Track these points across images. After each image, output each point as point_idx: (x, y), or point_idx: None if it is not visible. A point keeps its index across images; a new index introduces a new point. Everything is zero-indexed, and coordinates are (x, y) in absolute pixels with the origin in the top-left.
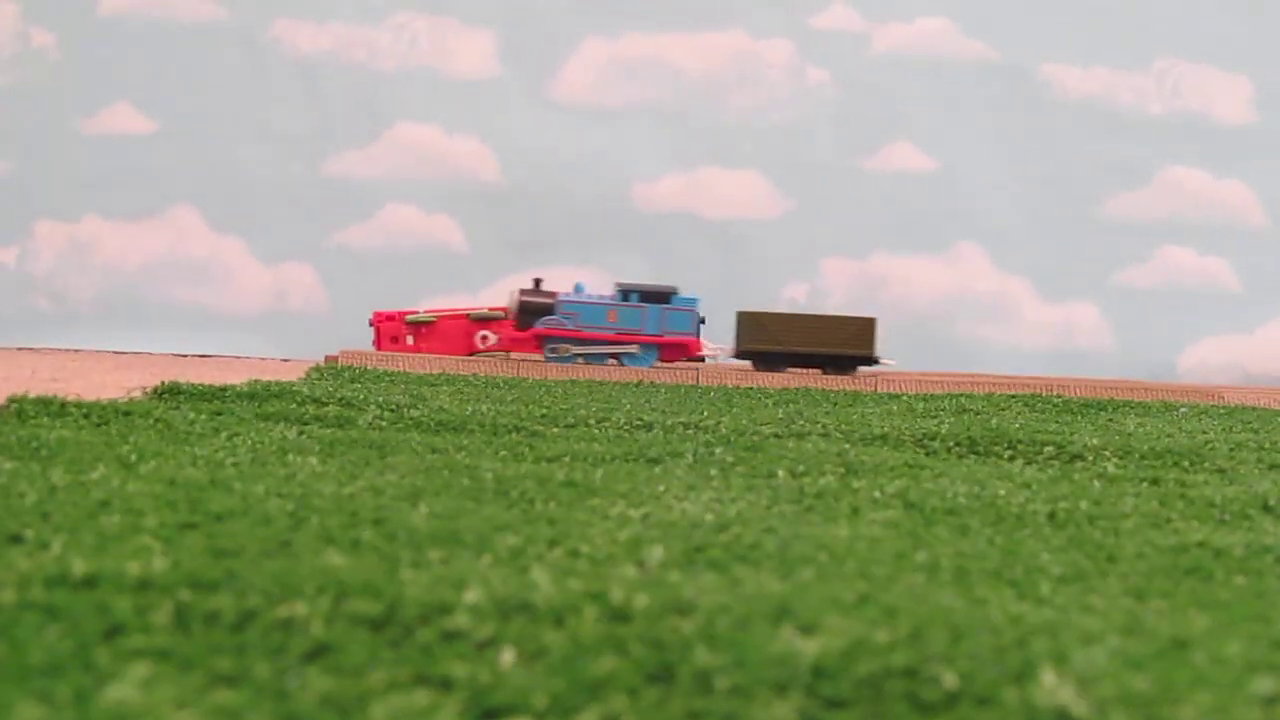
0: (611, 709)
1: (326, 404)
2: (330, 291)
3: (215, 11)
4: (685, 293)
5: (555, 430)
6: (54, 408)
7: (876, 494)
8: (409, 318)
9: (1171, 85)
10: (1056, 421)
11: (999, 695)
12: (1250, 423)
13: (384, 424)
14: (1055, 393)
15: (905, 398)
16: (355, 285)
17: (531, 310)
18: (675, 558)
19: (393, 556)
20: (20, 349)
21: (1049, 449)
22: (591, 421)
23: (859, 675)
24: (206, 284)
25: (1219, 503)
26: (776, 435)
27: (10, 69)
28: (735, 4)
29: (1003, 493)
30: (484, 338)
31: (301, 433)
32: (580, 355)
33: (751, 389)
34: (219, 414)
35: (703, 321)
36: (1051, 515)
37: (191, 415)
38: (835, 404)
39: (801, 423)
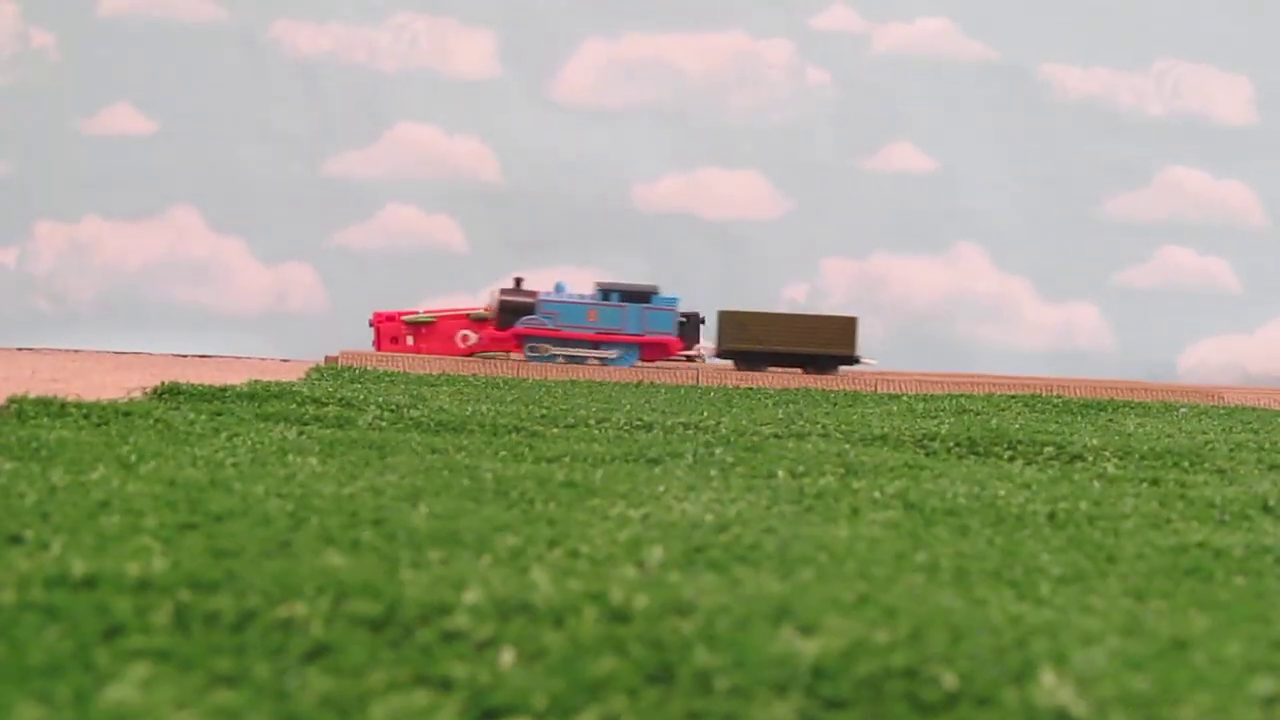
0: (611, 709)
1: (326, 404)
2: (330, 292)
3: (215, 12)
4: (665, 292)
5: (555, 431)
6: (54, 408)
7: (876, 494)
8: (408, 318)
9: (1171, 85)
10: (1056, 422)
11: (999, 696)
12: (1250, 423)
13: (384, 424)
14: (1055, 393)
15: (905, 398)
16: (355, 285)
17: (512, 310)
18: (675, 558)
19: (392, 557)
20: (20, 349)
21: (1049, 449)
22: (591, 422)
23: (859, 676)
24: (206, 284)
25: (1219, 503)
26: (776, 436)
27: (10, 69)
28: (735, 4)
29: (1003, 493)
30: (464, 337)
31: (301, 433)
32: (560, 355)
33: (751, 389)
34: (219, 414)
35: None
36: (1051, 516)
37: (191, 415)
38: (835, 404)
39: (801, 423)
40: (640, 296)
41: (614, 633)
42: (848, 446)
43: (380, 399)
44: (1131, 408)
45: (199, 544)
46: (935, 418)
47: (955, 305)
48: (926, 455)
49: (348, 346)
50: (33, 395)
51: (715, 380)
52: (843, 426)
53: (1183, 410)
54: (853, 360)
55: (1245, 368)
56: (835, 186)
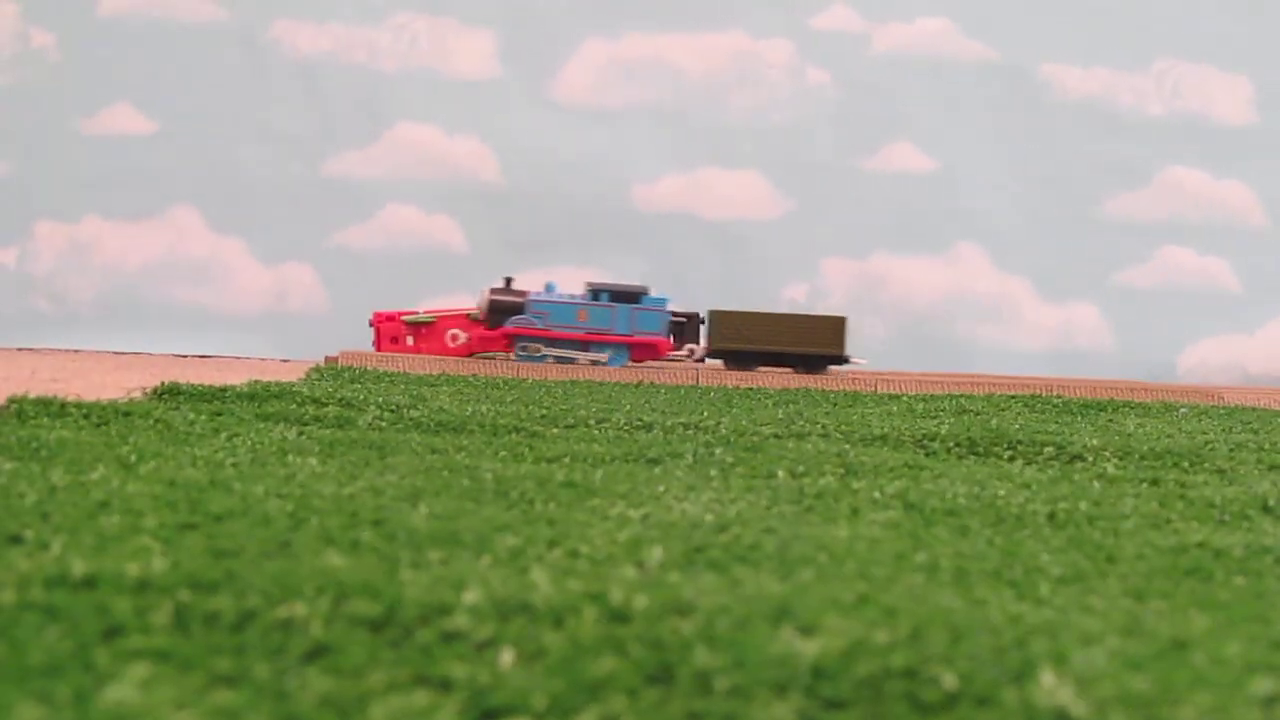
0: (611, 710)
1: (326, 404)
2: (330, 292)
3: (215, 12)
4: (656, 293)
5: (555, 431)
6: (54, 408)
7: (876, 494)
8: (408, 318)
9: (1171, 85)
10: (1056, 422)
11: (999, 696)
12: (1250, 423)
13: (384, 424)
14: (1055, 393)
15: (905, 398)
16: (355, 285)
17: (501, 309)
18: (675, 558)
19: (392, 557)
20: (20, 349)
21: (1049, 449)
22: (591, 422)
23: (859, 676)
24: (206, 284)
25: (1219, 503)
26: (776, 436)
27: (10, 69)
28: (735, 4)
29: (1002, 493)
30: (454, 336)
31: (301, 433)
32: (550, 355)
33: (751, 389)
34: (219, 414)
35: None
36: (1051, 516)
37: (191, 416)
38: (835, 404)
39: (801, 423)
40: (630, 297)
41: (614, 633)
42: (848, 447)
43: (380, 399)
44: (1131, 408)
45: (199, 544)
46: (935, 418)
47: (955, 305)
48: (926, 455)
49: (348, 347)
50: (33, 395)
51: (715, 380)
52: (843, 427)
53: (1183, 410)
54: (843, 360)
55: (1245, 368)
56: (835, 186)
